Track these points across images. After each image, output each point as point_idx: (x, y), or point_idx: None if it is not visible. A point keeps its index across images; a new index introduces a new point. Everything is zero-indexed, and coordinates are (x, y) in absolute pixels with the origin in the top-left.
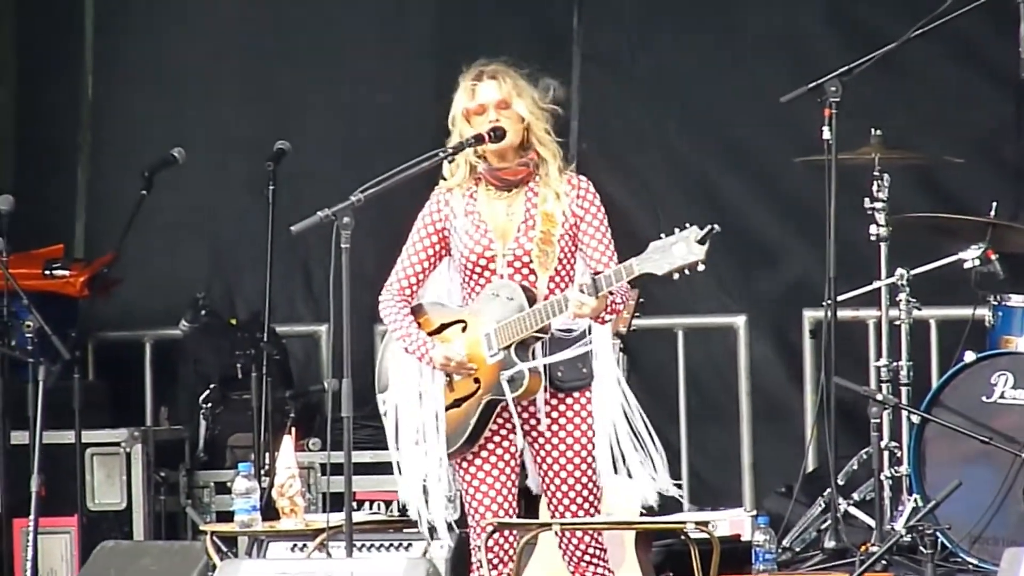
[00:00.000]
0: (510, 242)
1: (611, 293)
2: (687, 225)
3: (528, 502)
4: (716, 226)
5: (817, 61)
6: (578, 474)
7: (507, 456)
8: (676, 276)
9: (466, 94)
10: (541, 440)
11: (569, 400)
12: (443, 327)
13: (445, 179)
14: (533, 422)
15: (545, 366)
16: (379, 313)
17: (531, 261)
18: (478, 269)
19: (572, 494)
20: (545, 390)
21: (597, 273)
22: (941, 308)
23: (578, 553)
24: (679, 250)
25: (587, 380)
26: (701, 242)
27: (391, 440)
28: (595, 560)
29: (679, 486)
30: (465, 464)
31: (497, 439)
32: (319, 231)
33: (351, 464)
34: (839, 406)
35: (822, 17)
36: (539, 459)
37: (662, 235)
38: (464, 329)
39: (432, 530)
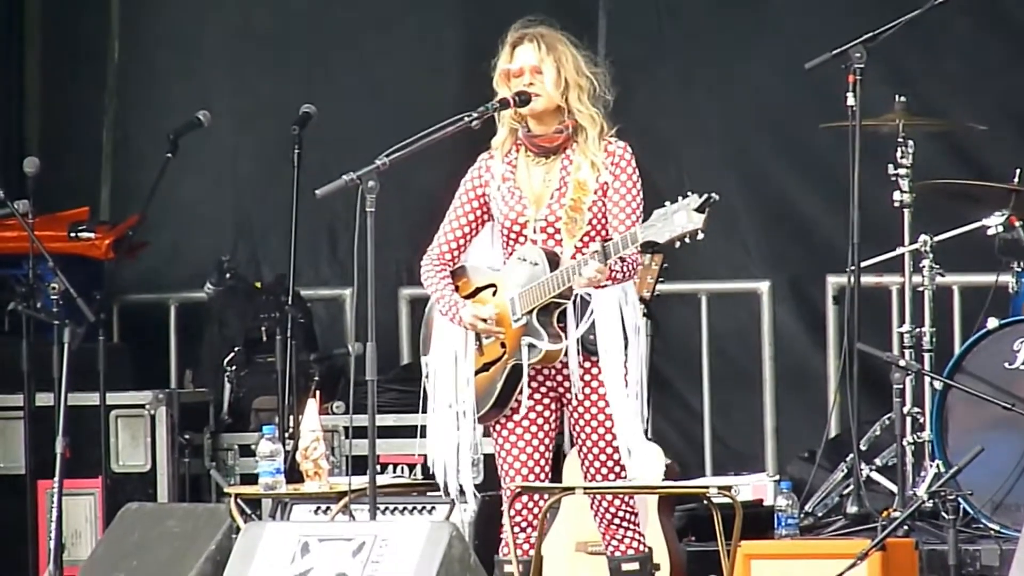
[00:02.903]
0: (543, 208)
1: (622, 260)
2: (688, 193)
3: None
4: (715, 195)
5: (844, 27)
6: (609, 437)
7: (540, 420)
8: (677, 244)
9: (506, 56)
10: (574, 403)
11: (601, 360)
12: (478, 290)
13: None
14: (567, 385)
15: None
16: (419, 277)
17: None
18: (512, 234)
19: (603, 457)
20: (579, 354)
21: (607, 240)
22: (964, 274)
23: (608, 516)
24: (680, 218)
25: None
26: (700, 210)
27: (429, 402)
28: (626, 523)
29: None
30: (499, 427)
31: (531, 403)
32: (344, 195)
33: (375, 427)
34: (862, 372)
35: None
36: (572, 422)
37: (666, 203)
38: (495, 293)
39: (460, 492)
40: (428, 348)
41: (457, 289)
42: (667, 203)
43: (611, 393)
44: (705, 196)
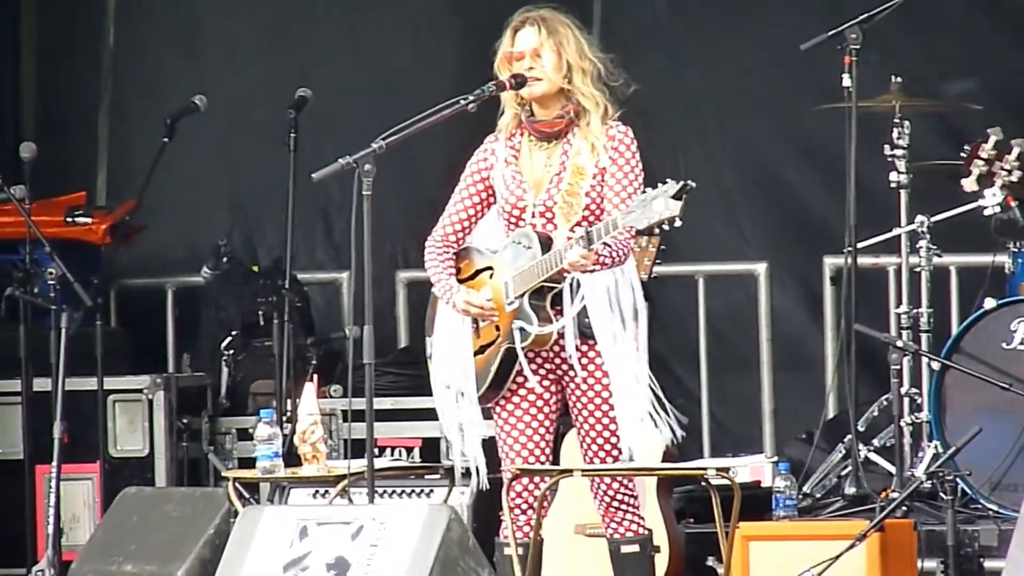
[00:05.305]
0: (541, 193)
1: (608, 245)
2: (667, 180)
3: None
4: (691, 182)
5: (840, 7)
6: (606, 421)
7: (540, 402)
8: (656, 231)
9: (508, 39)
10: (572, 386)
11: (599, 347)
12: (477, 272)
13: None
14: (565, 367)
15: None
16: (417, 259)
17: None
18: (513, 218)
19: (601, 440)
20: (576, 337)
21: (591, 226)
22: (961, 255)
23: (607, 498)
24: (657, 205)
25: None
26: (677, 197)
27: (432, 382)
28: (625, 505)
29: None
30: (499, 409)
31: (531, 385)
32: (341, 178)
33: (373, 411)
34: (860, 353)
35: None
36: (571, 404)
37: (647, 189)
38: (492, 275)
39: (467, 473)
40: (432, 329)
41: (460, 271)
42: (648, 189)
43: (613, 377)
44: (682, 183)
